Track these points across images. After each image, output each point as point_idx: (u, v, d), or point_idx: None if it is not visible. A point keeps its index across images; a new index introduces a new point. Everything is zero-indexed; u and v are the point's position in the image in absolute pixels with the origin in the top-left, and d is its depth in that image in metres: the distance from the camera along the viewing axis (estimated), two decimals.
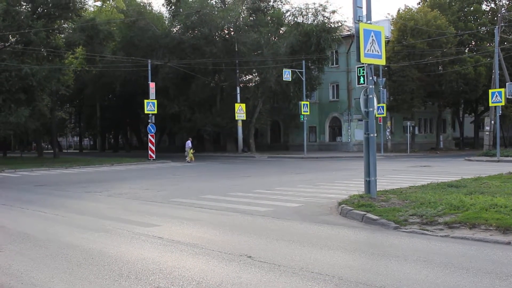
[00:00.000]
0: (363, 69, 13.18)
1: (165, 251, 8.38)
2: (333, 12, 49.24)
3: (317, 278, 6.64)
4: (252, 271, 7.04)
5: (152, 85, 40.73)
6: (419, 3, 56.89)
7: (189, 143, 40.12)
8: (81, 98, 66.30)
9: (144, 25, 49.68)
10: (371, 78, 13.26)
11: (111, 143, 79.14)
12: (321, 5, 48.58)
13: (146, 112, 40.38)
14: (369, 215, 10.83)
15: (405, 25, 48.16)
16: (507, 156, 33.44)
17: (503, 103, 33.44)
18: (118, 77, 51.32)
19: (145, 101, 40.21)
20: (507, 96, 22.05)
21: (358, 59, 13.07)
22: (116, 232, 10.14)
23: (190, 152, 39.27)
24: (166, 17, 55.13)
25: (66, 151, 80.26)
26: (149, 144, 40.77)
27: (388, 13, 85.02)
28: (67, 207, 14.28)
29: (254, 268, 7.21)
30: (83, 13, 43.54)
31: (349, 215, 11.36)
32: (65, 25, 45.06)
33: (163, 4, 54.28)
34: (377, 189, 13.36)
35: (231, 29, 50.05)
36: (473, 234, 9.07)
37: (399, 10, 53.08)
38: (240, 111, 46.75)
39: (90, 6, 51.48)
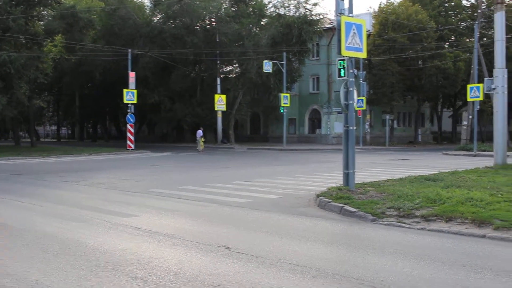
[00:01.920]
0: (344, 62, 13.20)
1: (143, 242, 8.34)
2: (315, 4, 49.41)
3: (295, 269, 6.66)
4: (230, 262, 7.04)
5: (132, 75, 40.41)
6: None
7: (200, 132, 41.06)
8: (59, 86, 65.55)
9: (125, 14, 49.31)
10: (351, 71, 13.30)
11: (89, 132, 78.53)
12: None
13: (125, 101, 40.05)
14: (347, 207, 10.89)
15: (386, 19, 48.39)
16: (484, 150, 33.78)
17: (481, 98, 33.70)
18: (98, 66, 50.83)
19: (125, 90, 39.86)
20: (485, 91, 22.21)
21: (339, 52, 13.08)
22: (94, 222, 10.08)
23: (201, 141, 40.30)
24: (147, 6, 54.87)
25: (43, 140, 79.32)
26: (128, 134, 40.48)
27: (370, 7, 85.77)
28: (44, 197, 14.14)
29: (232, 259, 7.21)
30: (63, 0, 43.01)
31: (327, 207, 11.41)
32: (45, 12, 44.55)
33: None
34: (356, 182, 13.43)
35: (213, 20, 49.92)
36: (449, 227, 9.16)
37: (380, 4, 53.49)
38: (220, 102, 46.64)
39: None
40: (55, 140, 77.25)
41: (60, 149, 40.50)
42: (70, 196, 14.24)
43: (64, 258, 7.30)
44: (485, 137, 56.66)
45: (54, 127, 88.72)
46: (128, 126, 40.70)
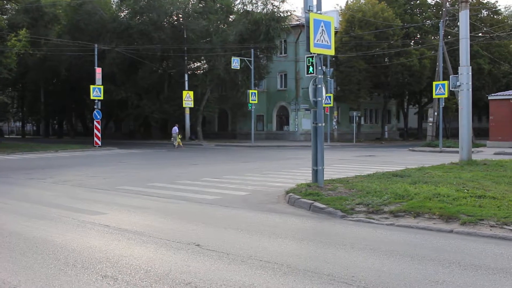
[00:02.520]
0: (313, 59, 13.24)
1: (112, 239, 8.26)
2: (282, 1, 49.44)
3: (266, 266, 6.66)
4: (201, 260, 7.01)
5: (98, 71, 39.99)
6: None
7: (176, 129, 41.08)
8: (24, 82, 64.29)
9: (91, 9, 48.65)
10: (320, 68, 13.36)
11: (55, 129, 77.28)
12: None
13: (92, 98, 39.62)
14: (317, 203, 10.95)
15: (353, 16, 48.75)
16: (449, 146, 34.29)
17: (446, 95, 34.23)
18: (64, 62, 50.09)
19: (91, 86, 39.43)
20: (450, 88, 22.53)
21: (308, 49, 13.13)
22: (61, 220, 9.94)
23: (178, 138, 40.43)
24: (113, 1, 54.13)
25: (7, 136, 77.93)
26: (95, 131, 40.06)
27: (337, 4, 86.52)
28: (9, 194, 13.88)
29: (202, 256, 7.18)
30: None
31: (297, 204, 11.45)
32: (8, 6, 43.69)
33: None
34: (324, 178, 13.51)
35: (180, 16, 49.57)
36: (417, 223, 9.28)
37: (347, 2, 53.61)
38: (188, 99, 46.44)
39: None
40: (19, 136, 75.78)
41: (25, 146, 39.77)
42: (37, 194, 14.01)
43: (32, 257, 7.18)
44: (450, 134, 57.63)
45: (18, 124, 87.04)
46: (95, 123, 40.29)
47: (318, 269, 6.50)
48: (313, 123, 13.48)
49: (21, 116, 78.60)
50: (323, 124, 13.55)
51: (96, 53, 40.86)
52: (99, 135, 39.84)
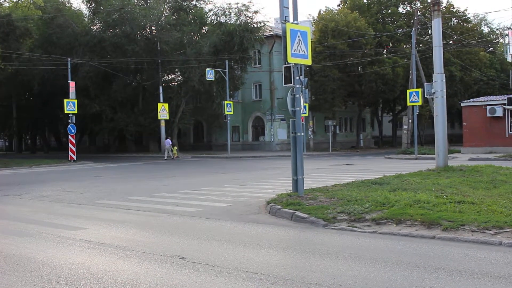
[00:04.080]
0: (291, 69, 13.27)
1: (95, 255, 8.16)
2: (256, 12, 49.60)
3: (252, 277, 6.64)
4: (186, 272, 6.96)
5: (72, 84, 39.67)
6: (339, 5, 58.10)
7: (169, 141, 43.03)
8: None
9: (63, 22, 48.33)
10: (297, 77, 13.38)
11: (28, 144, 76.25)
12: (244, 5, 48.75)
13: (66, 112, 39.24)
14: (299, 213, 10.95)
15: (326, 26, 49.09)
16: (425, 153, 34.65)
17: (420, 103, 34.67)
18: (36, 76, 49.50)
19: (65, 100, 39.08)
20: (425, 96, 22.79)
21: (285, 59, 13.17)
22: (41, 236, 9.79)
23: (174, 149, 42.64)
24: (86, 14, 53.83)
25: None
26: (70, 145, 39.65)
27: (309, 14, 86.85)
28: None
29: (188, 269, 7.13)
30: None
31: (278, 214, 11.44)
32: None
33: (82, 1, 52.76)
34: (304, 188, 13.52)
35: (153, 28, 49.45)
36: (400, 230, 9.34)
37: (320, 11, 54.13)
38: (163, 111, 46.31)
39: (5, 1, 49.41)
40: None
41: None
42: (13, 210, 13.78)
43: (13, 275, 7.05)
44: (424, 141, 58.22)
45: None
46: (70, 137, 39.87)
47: (305, 279, 6.49)
48: (292, 132, 13.49)
49: None
50: (303, 134, 13.58)
51: (69, 66, 40.53)
52: (74, 149, 39.45)
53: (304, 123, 42.96)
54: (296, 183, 13.33)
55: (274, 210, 11.70)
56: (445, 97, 19.90)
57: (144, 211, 12.80)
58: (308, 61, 13.94)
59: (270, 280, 6.50)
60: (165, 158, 41.99)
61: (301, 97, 13.49)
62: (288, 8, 13.55)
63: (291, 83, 13.32)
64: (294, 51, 13.20)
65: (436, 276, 6.51)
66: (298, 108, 13.37)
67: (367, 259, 7.48)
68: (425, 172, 18.48)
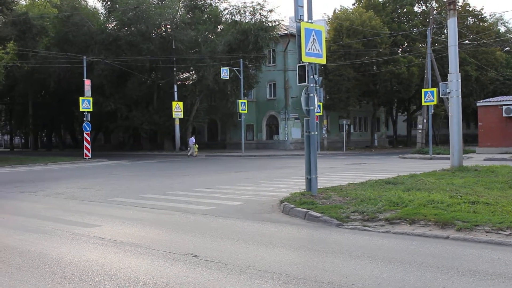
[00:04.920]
0: (305, 68, 13.26)
1: (108, 252, 8.21)
2: (271, 11, 49.74)
3: (265, 276, 6.65)
4: (199, 271, 6.98)
5: (87, 82, 39.89)
6: (354, 4, 57.90)
7: (193, 139, 43.88)
8: (12, 95, 64.03)
9: (78, 21, 48.62)
10: (312, 76, 13.39)
11: (44, 141, 76.83)
12: (258, 3, 48.79)
13: (81, 109, 39.49)
14: (312, 212, 10.94)
15: (341, 25, 48.95)
16: (439, 153, 34.46)
17: (435, 102, 34.48)
18: (52, 74, 49.90)
19: (80, 98, 39.33)
20: (440, 96, 22.69)
21: (299, 58, 13.17)
22: (56, 233, 9.86)
23: (195, 147, 43.10)
24: (101, 12, 54.14)
25: None
26: (85, 143, 39.89)
27: (324, 13, 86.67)
28: (1, 208, 13.76)
29: (200, 267, 7.15)
30: (14, 7, 42.07)
31: (292, 213, 11.44)
32: None
33: (98, 0, 53.15)
34: (318, 187, 13.51)
35: (168, 26, 49.67)
36: (413, 230, 9.30)
37: (335, 11, 54.01)
38: (178, 109, 46.46)
39: None
40: (8, 149, 75.35)
41: (14, 159, 39.55)
42: (29, 207, 13.91)
43: (28, 271, 7.11)
44: (439, 140, 57.87)
45: (6, 137, 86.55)
46: (85, 135, 40.12)
47: (318, 278, 6.49)
48: (306, 131, 13.49)
49: (9, 129, 78.12)
50: (316, 133, 13.57)
51: (84, 64, 40.76)
52: (89, 147, 39.69)
53: (318, 122, 43.05)
54: (309, 182, 13.32)
55: (287, 209, 11.70)
56: (460, 97, 19.82)
57: (158, 209, 12.86)
58: (323, 60, 13.93)
59: (282, 279, 6.50)
60: (188, 155, 42.57)
61: (315, 96, 13.48)
62: (302, 7, 13.54)
63: (305, 82, 13.33)
64: (309, 50, 13.19)
65: (450, 276, 6.48)
66: (312, 107, 13.37)
67: (380, 259, 7.46)
68: (440, 172, 18.40)
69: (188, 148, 43.98)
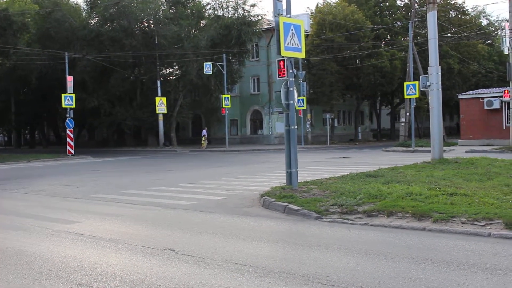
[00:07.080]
0: (284, 62, 13.31)
1: (87, 248, 8.22)
2: (253, 5, 49.50)
3: (241, 269, 6.70)
4: (176, 265, 7.02)
5: (69, 79, 39.61)
6: None
7: (204, 132, 46.38)
8: None
9: (60, 17, 48.17)
10: (291, 71, 13.45)
11: (27, 139, 76.23)
12: None
13: (63, 106, 39.23)
14: (291, 206, 11.01)
15: (323, 19, 49.06)
16: (422, 146, 34.69)
17: (417, 95, 34.70)
18: (34, 70, 49.39)
19: (63, 95, 39.04)
20: (420, 89, 22.87)
21: (278, 52, 13.23)
22: (35, 230, 9.85)
23: (202, 140, 44.28)
24: (83, 8, 53.62)
25: None
26: (68, 140, 39.66)
27: (307, 7, 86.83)
28: None
29: (178, 261, 7.19)
30: None
31: (272, 207, 11.50)
32: None
33: None
34: (299, 181, 13.58)
35: (151, 22, 49.42)
36: (391, 222, 9.40)
37: (317, 5, 54.06)
38: (161, 105, 46.36)
39: None
40: None
41: None
42: (9, 205, 13.86)
43: (5, 268, 7.11)
44: (422, 133, 58.22)
45: None
46: (68, 131, 39.90)
47: (293, 270, 6.56)
48: (286, 126, 13.55)
49: None
50: (296, 127, 13.63)
51: (66, 61, 40.48)
52: (72, 143, 39.44)
53: (302, 116, 43.20)
54: (290, 176, 13.39)
55: (267, 203, 11.76)
56: (440, 89, 19.96)
57: (139, 205, 12.87)
58: (302, 55, 14.01)
59: (258, 272, 6.56)
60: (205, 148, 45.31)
61: (294, 90, 13.54)
62: (281, 1, 13.59)
63: (284, 76, 13.38)
64: (288, 44, 13.24)
65: (423, 267, 6.58)
66: (291, 101, 13.42)
67: (357, 250, 7.55)
68: (420, 164, 18.54)
69: (205, 141, 46.31)
